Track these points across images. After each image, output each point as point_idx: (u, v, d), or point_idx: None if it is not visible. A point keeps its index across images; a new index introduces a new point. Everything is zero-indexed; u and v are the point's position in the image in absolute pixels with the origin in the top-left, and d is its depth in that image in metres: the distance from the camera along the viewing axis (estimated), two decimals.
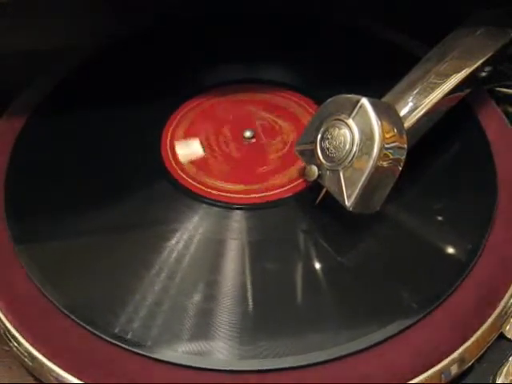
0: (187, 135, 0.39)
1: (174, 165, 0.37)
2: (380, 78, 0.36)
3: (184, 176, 0.36)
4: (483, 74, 0.38)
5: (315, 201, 0.34)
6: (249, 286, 0.31)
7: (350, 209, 0.31)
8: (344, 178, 0.31)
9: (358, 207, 0.31)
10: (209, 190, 0.35)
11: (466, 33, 0.38)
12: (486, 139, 0.38)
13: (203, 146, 0.38)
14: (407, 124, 0.33)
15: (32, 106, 0.40)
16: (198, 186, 0.36)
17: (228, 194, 0.35)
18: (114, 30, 0.46)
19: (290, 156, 0.37)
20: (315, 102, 0.40)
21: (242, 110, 0.41)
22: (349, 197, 0.31)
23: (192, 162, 0.37)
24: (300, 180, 0.36)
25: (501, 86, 0.42)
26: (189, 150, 0.38)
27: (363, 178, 0.30)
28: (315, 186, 0.34)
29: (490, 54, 0.37)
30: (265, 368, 0.28)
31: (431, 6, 0.47)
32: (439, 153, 0.37)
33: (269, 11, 0.48)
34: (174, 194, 0.35)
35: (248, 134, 0.38)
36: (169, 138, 0.38)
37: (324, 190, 0.33)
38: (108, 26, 0.47)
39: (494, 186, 0.35)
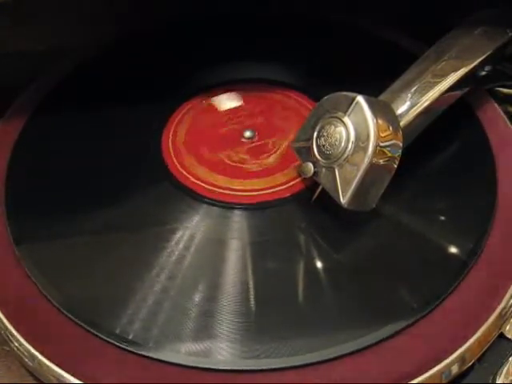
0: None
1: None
2: (379, 77, 0.36)
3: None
4: (482, 74, 0.38)
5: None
6: (250, 286, 0.31)
7: (345, 206, 0.31)
8: (339, 175, 0.31)
9: (353, 204, 0.31)
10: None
11: (464, 32, 0.38)
12: (487, 139, 0.38)
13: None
14: (403, 122, 0.33)
15: (32, 106, 0.40)
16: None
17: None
18: (114, 30, 0.46)
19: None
20: (313, 100, 0.40)
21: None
22: (344, 194, 0.31)
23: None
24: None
25: (501, 86, 0.42)
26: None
27: (358, 176, 0.30)
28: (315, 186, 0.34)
29: (487, 54, 0.37)
30: (265, 368, 0.28)
31: (431, 6, 0.47)
32: (439, 152, 0.37)
33: (268, 11, 0.48)
34: (175, 194, 0.35)
35: (248, 134, 0.38)
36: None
37: (320, 188, 0.33)
38: (108, 26, 0.47)
39: (493, 187, 0.35)
